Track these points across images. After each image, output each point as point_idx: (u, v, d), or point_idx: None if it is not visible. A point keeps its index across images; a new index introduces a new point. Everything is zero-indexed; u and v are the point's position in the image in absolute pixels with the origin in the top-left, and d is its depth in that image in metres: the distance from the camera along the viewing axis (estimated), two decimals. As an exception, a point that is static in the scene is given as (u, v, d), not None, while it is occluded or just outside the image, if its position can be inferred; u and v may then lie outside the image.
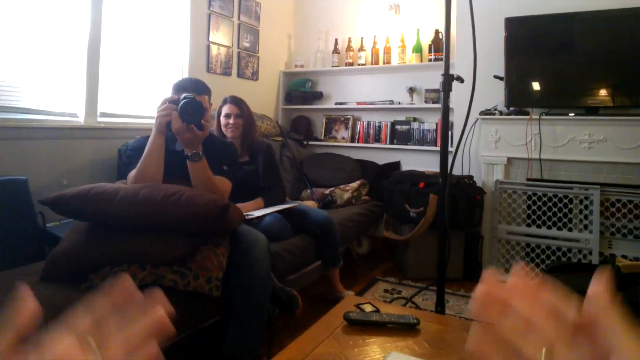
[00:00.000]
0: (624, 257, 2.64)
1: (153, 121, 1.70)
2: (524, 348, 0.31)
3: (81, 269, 1.56)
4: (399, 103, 3.92)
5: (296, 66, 4.38)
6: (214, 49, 3.52)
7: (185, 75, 3.25)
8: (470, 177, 3.11)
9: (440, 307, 1.81)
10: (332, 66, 4.20)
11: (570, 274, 1.43)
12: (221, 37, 3.59)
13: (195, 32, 3.35)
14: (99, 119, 2.66)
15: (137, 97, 2.94)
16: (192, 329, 1.66)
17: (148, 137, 1.73)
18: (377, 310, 1.26)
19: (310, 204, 3.00)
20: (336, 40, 4.20)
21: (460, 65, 3.19)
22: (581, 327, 0.30)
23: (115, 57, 2.76)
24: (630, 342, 0.28)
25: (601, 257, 2.75)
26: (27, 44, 2.30)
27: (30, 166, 2.23)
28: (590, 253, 2.77)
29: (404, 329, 1.17)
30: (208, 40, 3.47)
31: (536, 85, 3.09)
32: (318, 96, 4.29)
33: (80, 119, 2.57)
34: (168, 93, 1.86)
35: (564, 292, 0.32)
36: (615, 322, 0.29)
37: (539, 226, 2.94)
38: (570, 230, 2.86)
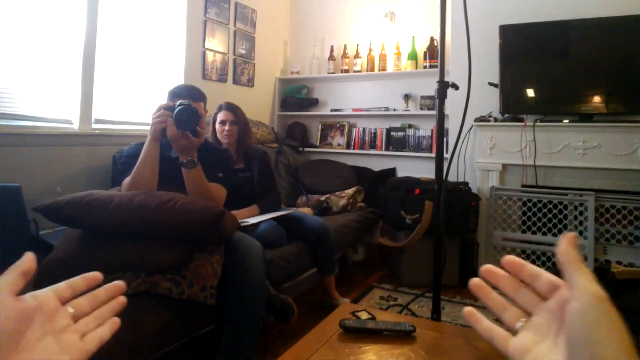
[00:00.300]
0: (619, 263, 2.65)
1: (148, 128, 1.69)
2: (504, 318, 0.39)
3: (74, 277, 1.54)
4: (395, 110, 3.93)
5: (292, 73, 4.39)
6: (209, 56, 3.52)
7: (181, 81, 3.25)
8: (466, 184, 3.11)
9: (436, 314, 1.80)
10: (328, 73, 4.21)
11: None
12: (217, 43, 3.59)
13: (191, 38, 3.35)
14: (94, 126, 2.65)
15: (132, 104, 2.93)
16: (187, 337, 1.64)
17: (143, 144, 1.72)
18: (373, 318, 1.25)
19: (306, 211, 2.99)
20: (332, 47, 4.21)
21: (455, 72, 3.21)
22: (554, 287, 0.36)
23: (110, 64, 2.76)
24: (586, 280, 0.33)
25: (596, 263, 2.75)
26: (22, 50, 2.29)
27: (23, 173, 2.22)
28: (586, 259, 2.77)
29: (400, 336, 1.16)
30: (204, 46, 3.47)
31: (531, 92, 3.11)
32: (314, 103, 4.30)
33: (75, 126, 2.56)
34: (163, 100, 1.85)
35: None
36: (576, 267, 0.34)
37: (534, 232, 2.95)
38: (565, 236, 2.86)
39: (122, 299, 0.47)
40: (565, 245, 0.36)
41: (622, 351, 0.30)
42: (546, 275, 0.37)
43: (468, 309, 0.41)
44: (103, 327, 0.44)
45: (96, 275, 0.46)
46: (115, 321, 0.46)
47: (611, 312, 0.31)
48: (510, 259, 0.40)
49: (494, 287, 0.41)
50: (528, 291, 0.39)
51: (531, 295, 0.38)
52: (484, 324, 0.40)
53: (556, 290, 0.36)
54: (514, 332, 0.38)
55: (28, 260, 0.41)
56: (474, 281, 0.41)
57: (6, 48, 2.23)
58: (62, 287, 0.44)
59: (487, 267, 0.41)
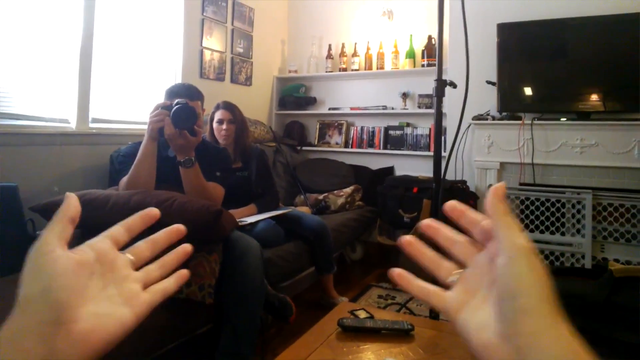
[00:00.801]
0: (616, 260, 2.65)
1: (145, 127, 1.69)
2: (439, 274, 0.39)
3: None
4: (393, 108, 3.93)
5: (290, 71, 4.38)
6: (207, 55, 3.51)
7: (178, 80, 3.24)
8: (464, 182, 3.12)
9: (434, 313, 1.80)
10: (326, 71, 4.21)
11: (565, 277, 1.43)
12: (214, 42, 3.59)
13: (189, 37, 3.34)
14: (91, 125, 2.65)
15: (130, 103, 2.92)
16: (185, 337, 1.64)
17: (140, 143, 1.72)
18: (371, 317, 1.25)
19: (304, 210, 2.99)
20: (330, 45, 4.21)
21: (453, 70, 3.20)
22: (490, 236, 0.35)
23: (108, 63, 2.75)
24: (512, 233, 0.33)
25: (594, 260, 2.76)
26: (19, 49, 2.28)
27: (20, 172, 2.21)
28: (583, 257, 2.78)
29: (399, 335, 1.16)
30: (201, 45, 3.47)
31: (528, 91, 3.11)
32: (312, 101, 4.30)
33: (72, 125, 2.55)
34: (161, 99, 1.85)
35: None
36: (503, 220, 0.34)
37: (531, 230, 2.95)
38: (562, 234, 2.87)
39: (188, 247, 0.44)
40: (492, 198, 0.35)
41: (543, 301, 0.31)
42: (485, 223, 0.36)
43: (396, 270, 0.40)
44: (168, 278, 0.41)
45: (153, 211, 0.43)
46: (183, 273, 0.42)
47: (535, 264, 0.32)
48: (452, 204, 0.39)
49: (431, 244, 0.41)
50: (465, 242, 0.38)
51: (468, 246, 0.38)
52: (416, 283, 0.39)
53: (490, 240, 0.35)
54: (448, 286, 0.38)
55: (73, 204, 0.39)
56: (405, 239, 0.40)
57: (3, 47, 2.21)
58: (118, 230, 0.41)
59: (426, 222, 0.40)
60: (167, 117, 1.61)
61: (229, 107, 2.54)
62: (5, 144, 2.18)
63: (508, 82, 3.07)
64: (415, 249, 0.41)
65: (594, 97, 2.90)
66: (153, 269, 0.41)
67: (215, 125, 2.53)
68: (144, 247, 0.42)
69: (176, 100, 1.65)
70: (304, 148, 4.20)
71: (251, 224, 2.22)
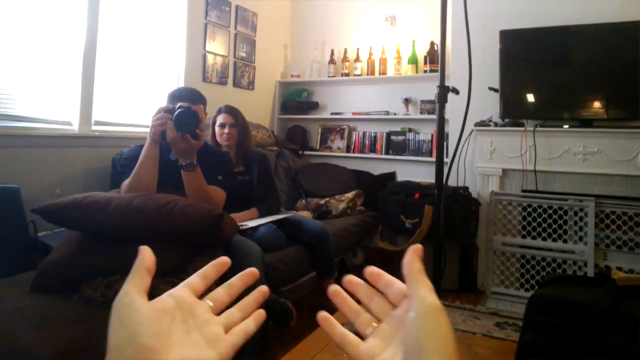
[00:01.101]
0: (619, 269, 2.64)
1: (148, 130, 1.69)
2: (356, 325, 0.41)
3: (73, 279, 1.53)
4: (395, 114, 3.93)
5: (292, 76, 4.39)
6: (210, 59, 3.52)
7: (181, 84, 3.25)
8: (466, 189, 3.11)
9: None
10: (328, 76, 4.21)
11: (567, 286, 1.42)
12: (217, 46, 3.60)
13: (192, 41, 3.36)
14: (93, 128, 2.65)
15: (132, 106, 2.93)
16: (185, 341, 1.63)
17: (142, 146, 1.72)
18: (372, 323, 1.24)
19: (305, 215, 2.99)
20: (332, 50, 4.22)
21: (455, 76, 3.21)
22: (404, 295, 0.38)
23: (111, 65, 2.76)
24: (424, 291, 0.35)
25: (596, 268, 2.74)
26: (22, 51, 2.29)
27: (22, 174, 2.21)
28: (586, 265, 2.77)
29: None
30: (204, 49, 3.48)
31: (531, 97, 3.11)
32: (314, 106, 4.30)
33: (75, 127, 2.56)
34: (163, 102, 1.85)
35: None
36: (417, 278, 0.36)
37: (534, 238, 2.94)
38: (565, 241, 2.86)
39: (265, 289, 0.45)
40: (410, 257, 0.37)
41: (446, 357, 0.32)
42: (398, 284, 0.39)
43: (322, 313, 0.42)
44: (248, 320, 0.43)
45: (225, 260, 0.45)
46: (261, 314, 0.44)
47: (442, 323, 0.33)
48: (370, 269, 0.42)
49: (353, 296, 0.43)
50: (382, 299, 0.40)
51: (384, 303, 0.40)
52: (338, 329, 0.41)
53: (405, 299, 0.37)
54: (364, 337, 0.40)
55: (147, 255, 0.40)
56: (333, 288, 0.43)
57: (6, 49, 2.22)
58: (195, 279, 0.43)
59: (348, 278, 0.43)
60: (169, 120, 1.61)
61: (231, 111, 2.55)
62: (8, 146, 2.18)
63: (510, 89, 3.07)
64: (340, 298, 0.43)
65: (597, 104, 2.89)
66: (234, 312, 0.43)
67: (217, 129, 2.54)
68: (221, 292, 0.44)
69: (179, 104, 1.65)
70: (305, 152, 4.20)
71: (252, 228, 2.22)
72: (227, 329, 0.41)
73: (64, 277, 1.54)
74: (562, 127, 2.93)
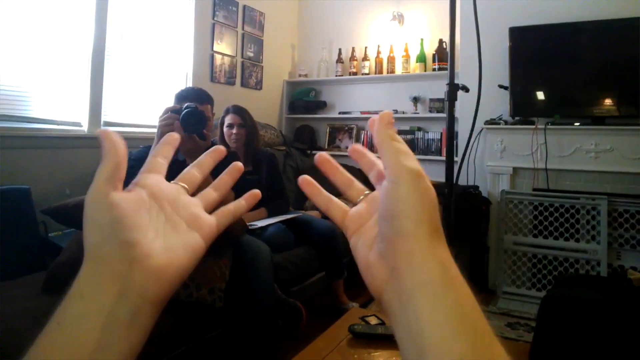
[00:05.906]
0: (634, 268, 2.60)
1: (156, 130, 1.69)
2: (348, 195, 0.41)
3: (82, 280, 1.54)
4: (403, 112, 3.90)
5: (300, 76, 4.38)
6: (217, 59, 3.53)
7: (189, 84, 3.26)
8: (476, 188, 3.08)
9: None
10: (336, 75, 4.20)
11: (581, 286, 1.40)
12: (225, 46, 3.60)
13: (199, 41, 3.36)
14: (103, 128, 2.66)
15: (141, 106, 2.94)
16: (195, 341, 1.63)
17: (150, 146, 1.72)
18: (383, 323, 1.23)
19: (314, 214, 2.98)
20: (340, 50, 4.20)
21: (464, 74, 3.17)
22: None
23: (119, 66, 2.77)
24: (396, 157, 0.32)
25: (610, 268, 2.71)
26: (31, 52, 2.30)
27: (32, 175, 2.22)
28: (599, 264, 2.73)
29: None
30: (212, 49, 3.48)
31: (541, 95, 3.07)
32: (322, 105, 4.29)
33: (84, 128, 2.57)
34: (171, 102, 1.85)
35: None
36: (388, 146, 0.33)
37: (545, 237, 2.90)
38: (577, 241, 2.82)
39: (239, 165, 0.44)
40: (379, 125, 0.34)
41: (422, 223, 0.30)
42: (380, 165, 0.36)
43: (304, 177, 0.42)
44: (239, 200, 0.42)
45: (220, 148, 0.43)
46: (255, 194, 0.43)
47: (419, 187, 0.31)
48: (355, 146, 0.40)
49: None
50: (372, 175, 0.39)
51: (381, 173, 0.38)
52: (323, 194, 0.41)
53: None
54: (355, 205, 0.39)
55: (114, 140, 0.37)
56: (323, 155, 0.42)
57: (16, 51, 2.24)
58: (191, 171, 0.42)
59: (353, 146, 0.41)
60: (176, 120, 1.61)
61: (239, 111, 2.55)
62: (18, 147, 2.20)
63: (520, 86, 3.04)
64: (331, 166, 0.42)
65: (608, 101, 2.85)
66: (209, 191, 0.42)
67: (225, 129, 2.54)
68: (192, 171, 0.42)
69: (185, 104, 1.65)
70: (314, 152, 4.19)
71: (261, 227, 2.21)
72: (207, 209, 0.39)
73: (75, 277, 1.54)
74: (573, 124, 2.89)
